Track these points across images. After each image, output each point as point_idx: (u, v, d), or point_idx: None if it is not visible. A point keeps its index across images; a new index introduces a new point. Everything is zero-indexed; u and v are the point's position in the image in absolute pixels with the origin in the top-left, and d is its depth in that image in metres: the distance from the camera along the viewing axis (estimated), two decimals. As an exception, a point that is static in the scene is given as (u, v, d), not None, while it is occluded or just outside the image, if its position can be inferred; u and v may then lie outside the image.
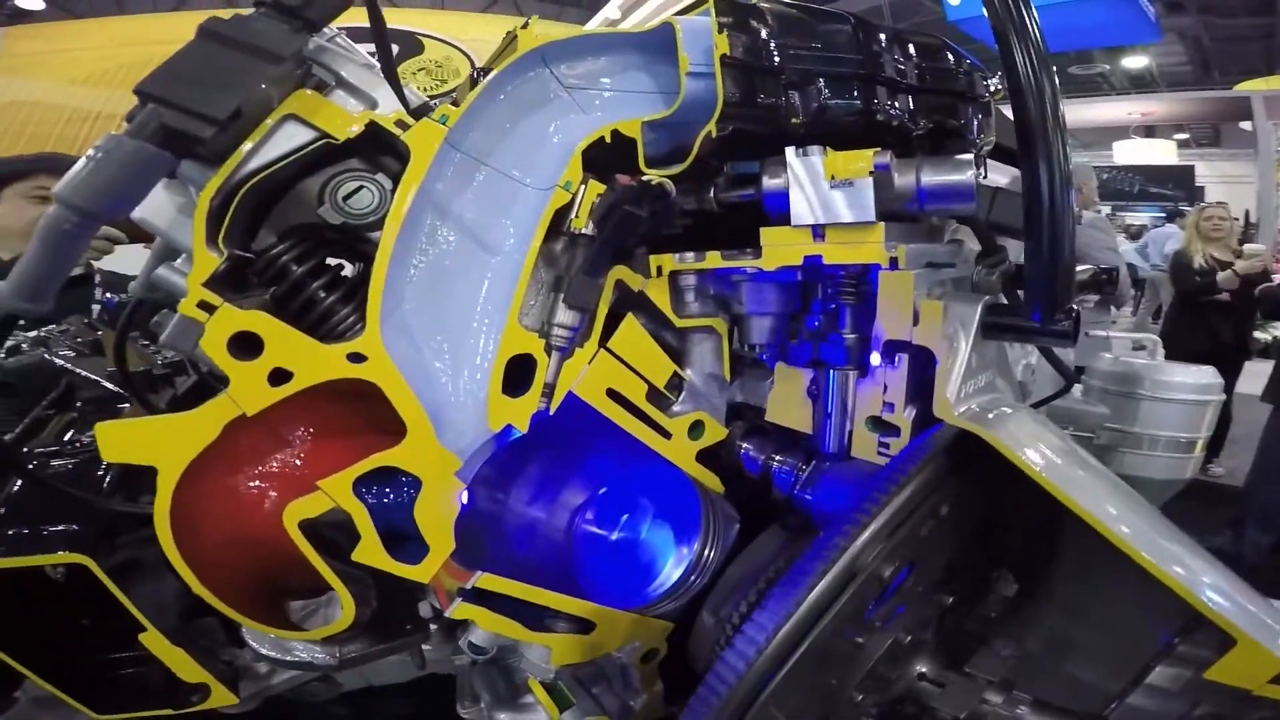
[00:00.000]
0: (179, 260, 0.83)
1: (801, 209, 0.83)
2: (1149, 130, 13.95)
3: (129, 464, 0.74)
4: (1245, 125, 10.94)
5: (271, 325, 0.73)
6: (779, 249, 0.86)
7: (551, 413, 0.84)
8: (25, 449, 1.03)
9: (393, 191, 0.77)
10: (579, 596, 0.91)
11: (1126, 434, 2.14)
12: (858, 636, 0.72)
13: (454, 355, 0.82)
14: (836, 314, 0.91)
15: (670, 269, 0.94)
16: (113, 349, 1.02)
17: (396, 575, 0.80)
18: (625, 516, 0.95)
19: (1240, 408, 3.39)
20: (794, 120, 0.85)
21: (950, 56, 0.98)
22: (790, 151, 0.82)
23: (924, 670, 0.81)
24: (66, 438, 1.08)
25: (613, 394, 0.90)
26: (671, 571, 0.92)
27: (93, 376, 1.21)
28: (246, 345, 0.73)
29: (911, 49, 0.94)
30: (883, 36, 0.91)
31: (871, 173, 0.79)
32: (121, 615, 0.85)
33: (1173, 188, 13.13)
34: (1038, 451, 0.74)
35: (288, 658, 0.85)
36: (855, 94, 0.88)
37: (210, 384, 0.94)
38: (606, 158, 0.85)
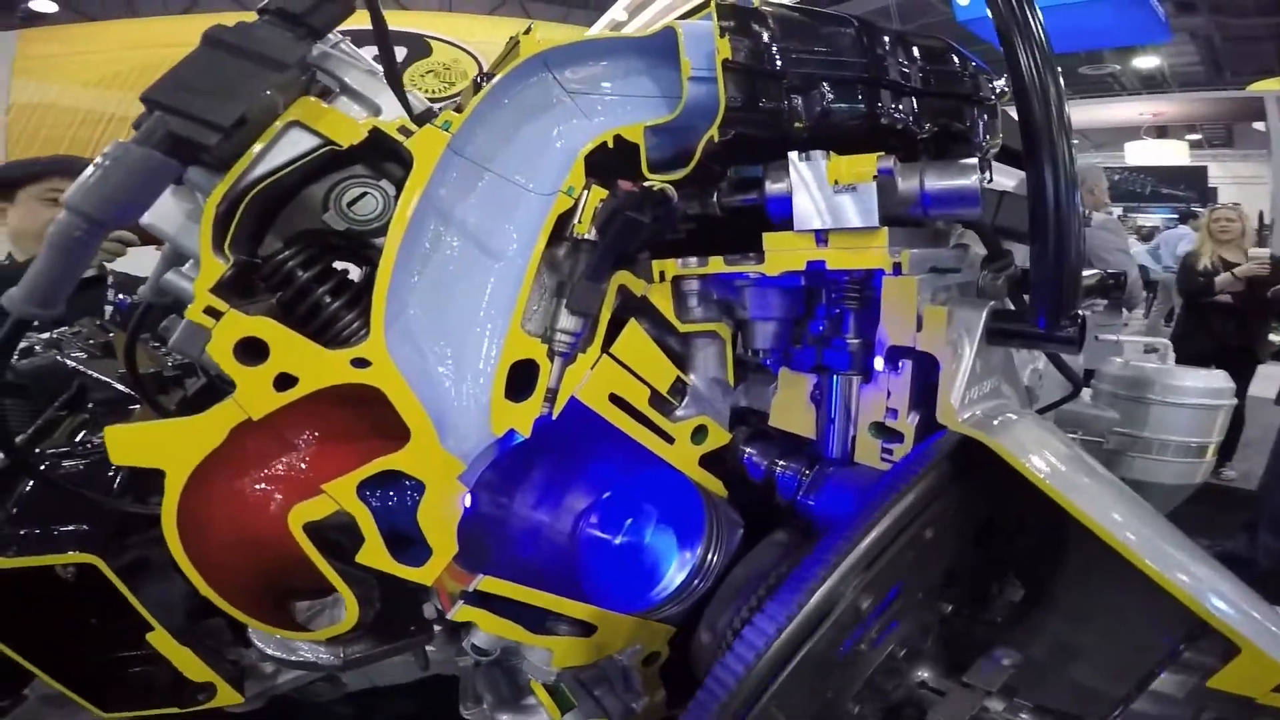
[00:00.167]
0: (187, 265, 0.84)
1: (804, 214, 0.83)
2: (1161, 131, 13.83)
3: (137, 467, 0.75)
4: (1259, 126, 10.82)
5: (277, 331, 0.73)
6: (782, 254, 0.86)
7: (554, 418, 0.85)
8: (38, 450, 1.04)
9: (396, 197, 0.77)
10: (581, 600, 0.91)
11: (1136, 439, 2.12)
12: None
13: (457, 360, 0.82)
14: (840, 319, 0.91)
15: (673, 274, 0.94)
16: (123, 352, 1.03)
17: (400, 577, 0.80)
18: (629, 521, 0.95)
19: (1254, 411, 3.36)
20: (797, 124, 0.85)
21: (955, 59, 0.98)
22: (793, 156, 0.82)
23: (925, 677, 0.81)
24: (78, 439, 1.10)
25: (615, 399, 0.90)
26: (675, 576, 0.92)
27: (104, 378, 1.22)
28: (252, 350, 0.73)
29: (916, 51, 0.94)
30: (887, 39, 0.91)
31: (875, 177, 0.79)
32: (129, 615, 0.86)
33: (1185, 189, 13.00)
34: (1042, 458, 0.74)
35: (293, 658, 0.86)
36: (859, 97, 0.88)
37: (219, 386, 0.95)
38: (609, 163, 0.86)
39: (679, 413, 0.97)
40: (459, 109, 0.81)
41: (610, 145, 0.85)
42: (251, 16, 0.72)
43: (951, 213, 0.83)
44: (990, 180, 0.92)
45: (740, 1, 0.85)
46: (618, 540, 0.95)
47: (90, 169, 0.62)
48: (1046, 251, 0.73)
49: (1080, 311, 0.78)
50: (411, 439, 0.77)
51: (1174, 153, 13.78)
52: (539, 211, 0.84)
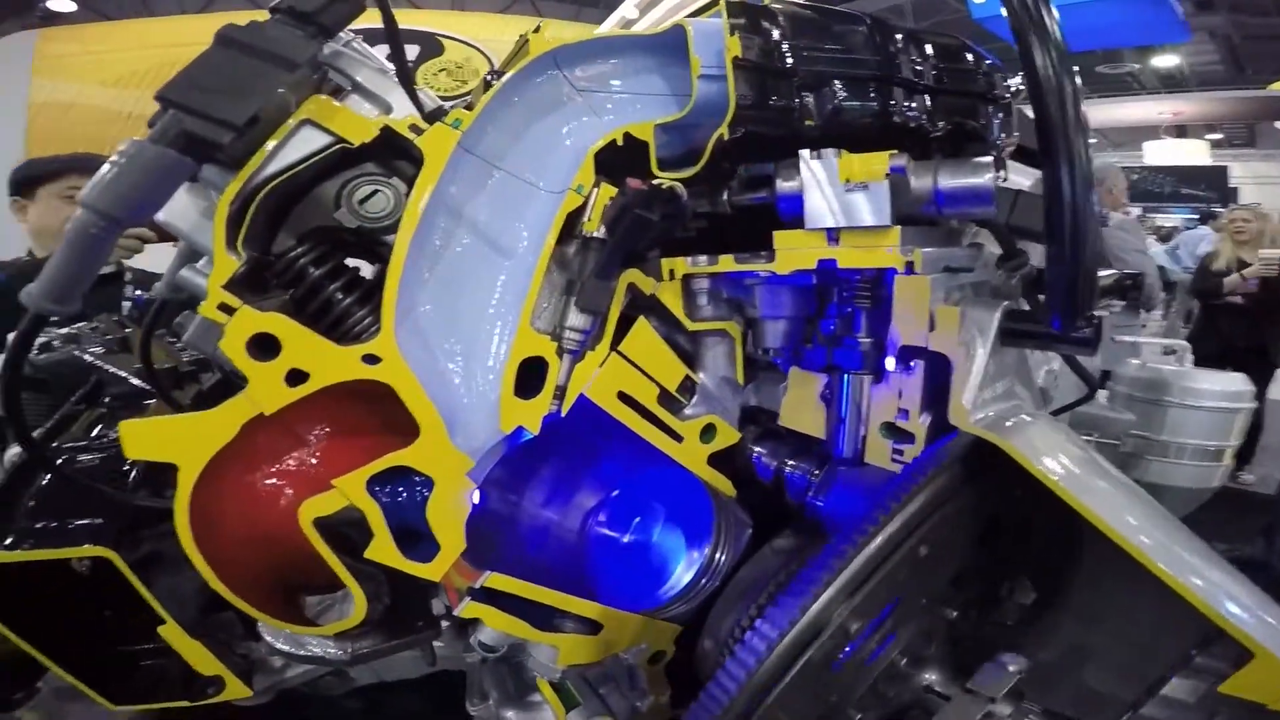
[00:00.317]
0: (201, 262, 0.85)
1: (816, 212, 0.82)
2: (1181, 130, 13.62)
3: (151, 461, 0.76)
4: (1280, 125, 10.63)
5: (289, 327, 0.74)
6: (793, 252, 0.85)
7: (563, 415, 0.85)
8: (55, 444, 1.06)
9: (407, 195, 0.78)
10: (588, 598, 0.91)
11: (1153, 441, 2.09)
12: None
13: (467, 357, 0.83)
14: (851, 318, 0.90)
15: (683, 272, 0.94)
16: (139, 347, 1.04)
17: (408, 573, 0.80)
18: (637, 519, 0.95)
19: (1272, 415, 3.30)
20: (808, 122, 0.85)
21: (969, 56, 0.96)
22: (804, 154, 0.81)
23: (933, 680, 0.80)
24: (94, 433, 1.11)
25: (624, 397, 0.90)
26: (682, 575, 0.92)
27: (121, 373, 1.24)
28: (265, 346, 0.74)
29: (929, 49, 0.93)
30: (899, 37, 0.90)
31: (887, 175, 0.78)
32: (141, 608, 0.87)
33: (1205, 189, 12.79)
34: (1056, 460, 0.73)
35: (301, 652, 0.87)
36: (871, 95, 0.87)
37: (234, 381, 0.96)
38: (619, 160, 0.85)
39: (688, 411, 0.97)
40: (470, 107, 0.81)
41: (620, 143, 0.85)
42: (265, 16, 0.72)
43: (965, 211, 0.82)
44: (1005, 179, 0.91)
45: None
46: (625, 538, 0.95)
47: (106, 167, 0.63)
48: (1062, 251, 0.72)
49: (1096, 312, 0.77)
50: (421, 435, 0.78)
51: (1194, 152, 13.57)
52: (549, 209, 0.84)
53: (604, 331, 0.88)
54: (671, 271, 0.94)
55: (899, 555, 0.68)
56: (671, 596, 0.92)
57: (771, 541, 0.95)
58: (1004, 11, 0.71)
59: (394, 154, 0.79)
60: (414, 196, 0.77)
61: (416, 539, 0.81)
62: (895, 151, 0.79)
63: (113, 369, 1.24)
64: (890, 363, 0.85)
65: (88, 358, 1.28)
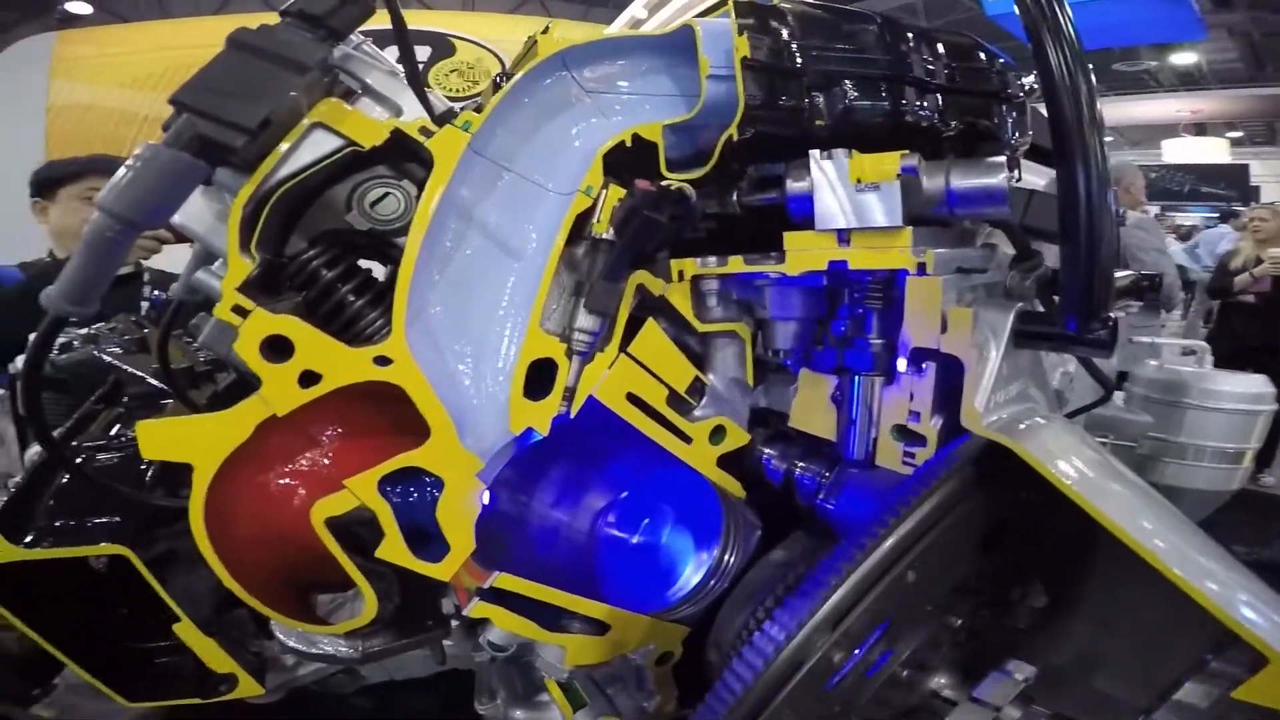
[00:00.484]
0: (216, 264, 0.86)
1: (826, 213, 0.81)
2: (1200, 128, 13.41)
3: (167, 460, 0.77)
4: (1303, 123, 10.43)
5: (301, 329, 0.75)
6: (803, 254, 0.85)
7: (572, 416, 0.85)
8: (74, 443, 1.07)
9: (418, 197, 0.78)
10: (596, 598, 0.91)
11: (1170, 443, 2.06)
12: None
13: (477, 358, 0.83)
14: (862, 320, 0.89)
15: (692, 273, 0.93)
16: (156, 348, 1.06)
17: (419, 573, 0.81)
18: (645, 521, 0.95)
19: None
20: (818, 122, 0.84)
21: (982, 55, 0.95)
22: (814, 154, 0.81)
23: (942, 683, 0.80)
24: (113, 432, 1.13)
25: (633, 398, 0.90)
26: (691, 576, 0.92)
27: (138, 373, 1.25)
28: (278, 348, 0.75)
29: (941, 48, 0.92)
30: (910, 35, 0.90)
31: (899, 176, 0.77)
32: (156, 606, 0.88)
33: (1225, 187, 12.58)
34: (1069, 464, 0.72)
35: (313, 650, 0.88)
36: (882, 95, 0.86)
37: (248, 381, 0.97)
38: (628, 161, 0.85)
39: (697, 413, 0.97)
40: (479, 109, 0.81)
41: (628, 144, 0.85)
42: (277, 19, 0.73)
43: (978, 212, 0.81)
44: (1019, 179, 0.90)
45: None
46: (634, 540, 0.95)
47: (122, 171, 0.64)
48: (1077, 252, 0.71)
49: (1112, 314, 0.76)
50: (431, 436, 0.78)
51: (1213, 150, 13.35)
52: (558, 211, 0.84)
53: (613, 333, 0.88)
54: (681, 273, 0.94)
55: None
56: (680, 598, 0.92)
57: (780, 544, 0.94)
58: (1017, 9, 0.70)
59: (405, 156, 0.80)
60: (424, 199, 0.77)
61: (427, 539, 0.81)
62: (907, 151, 0.78)
63: (131, 369, 1.26)
64: (901, 365, 0.84)
65: (106, 358, 1.30)
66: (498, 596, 0.87)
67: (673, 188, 0.84)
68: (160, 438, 0.76)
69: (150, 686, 0.96)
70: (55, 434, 1.04)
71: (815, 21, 0.86)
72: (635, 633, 0.94)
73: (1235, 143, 13.58)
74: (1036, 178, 1.15)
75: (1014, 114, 0.98)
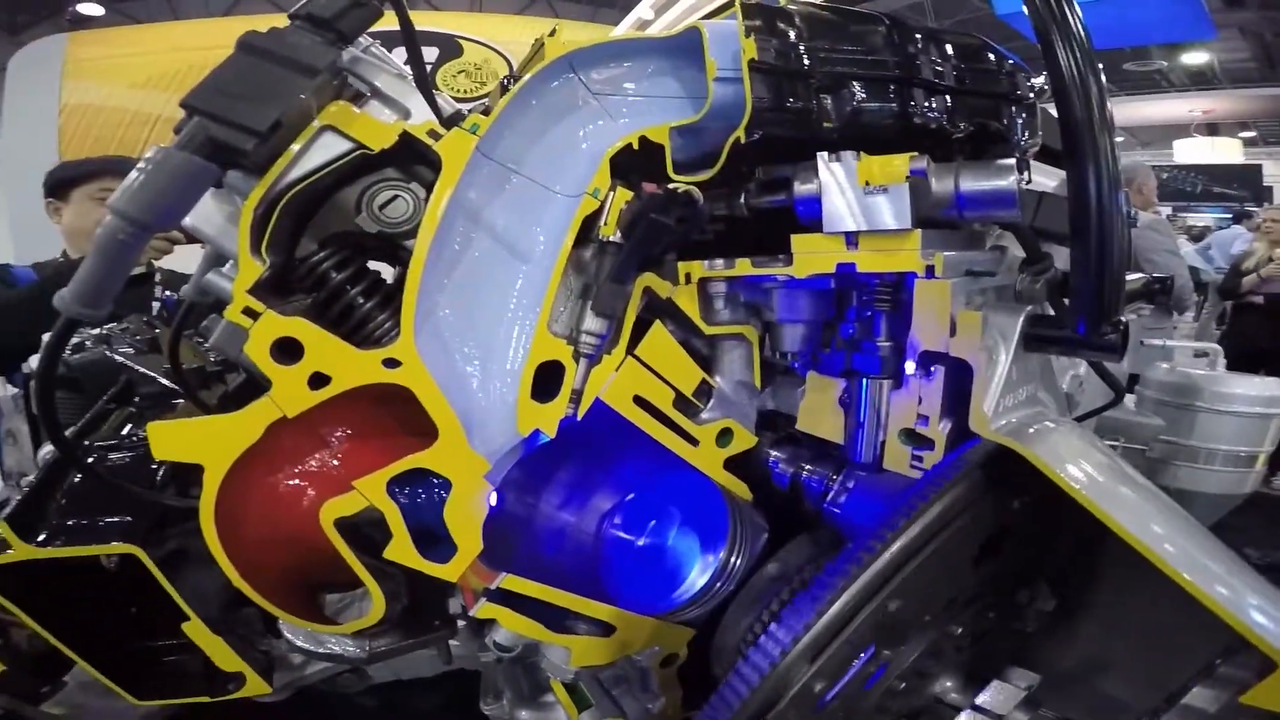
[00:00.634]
0: (227, 266, 0.87)
1: (834, 215, 0.81)
2: (1212, 128, 13.29)
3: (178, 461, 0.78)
4: (1317, 122, 10.32)
5: (311, 331, 0.75)
6: (811, 256, 0.85)
7: (579, 419, 0.85)
8: (87, 442, 1.09)
9: (426, 200, 0.78)
10: (602, 600, 0.91)
11: (1182, 447, 2.04)
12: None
13: (484, 361, 0.83)
14: (870, 323, 0.89)
15: (699, 276, 0.93)
16: (167, 349, 1.07)
17: (426, 573, 0.81)
18: (652, 523, 0.95)
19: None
20: (826, 124, 0.84)
21: (991, 56, 0.95)
22: (821, 157, 0.80)
23: (948, 686, 0.79)
24: (125, 432, 1.14)
25: (640, 401, 0.90)
26: (697, 578, 0.92)
27: (150, 373, 1.26)
28: (288, 350, 0.75)
29: (949, 49, 0.91)
30: (919, 36, 0.89)
31: (907, 178, 0.77)
32: (166, 605, 0.88)
33: (1238, 188, 12.45)
34: (1079, 468, 0.71)
35: (321, 650, 0.88)
36: (890, 96, 0.86)
37: (258, 382, 0.98)
38: (635, 164, 0.85)
39: (704, 415, 0.97)
40: (487, 111, 0.81)
41: (636, 146, 0.85)
42: (286, 21, 0.73)
43: (987, 214, 0.80)
44: (1028, 181, 0.89)
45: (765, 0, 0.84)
46: (640, 542, 0.95)
47: (134, 173, 0.64)
48: (1088, 254, 0.70)
49: (1123, 317, 0.75)
50: (439, 438, 0.78)
51: (1226, 150, 13.23)
52: (565, 213, 0.84)
53: (620, 335, 0.88)
54: (688, 275, 0.94)
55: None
56: (685, 600, 0.92)
57: (786, 547, 0.94)
58: (1026, 9, 0.70)
59: (413, 159, 0.80)
60: (432, 201, 0.77)
61: (434, 540, 0.82)
62: (915, 154, 0.78)
63: (143, 369, 1.27)
64: (910, 368, 0.84)
65: (119, 358, 1.31)
66: (504, 597, 0.87)
67: (680, 190, 0.84)
68: (171, 438, 0.76)
69: (159, 685, 0.97)
70: (68, 433, 1.05)
71: (823, 23, 0.86)
72: (641, 634, 0.94)
73: (1248, 143, 13.45)
74: (1047, 179, 1.14)
75: (1024, 115, 0.98)
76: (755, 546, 0.94)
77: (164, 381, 1.24)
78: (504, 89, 0.91)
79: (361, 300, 0.81)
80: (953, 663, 0.81)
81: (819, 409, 0.95)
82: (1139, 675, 0.79)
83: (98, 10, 9.85)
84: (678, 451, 0.93)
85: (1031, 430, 0.76)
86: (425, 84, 0.81)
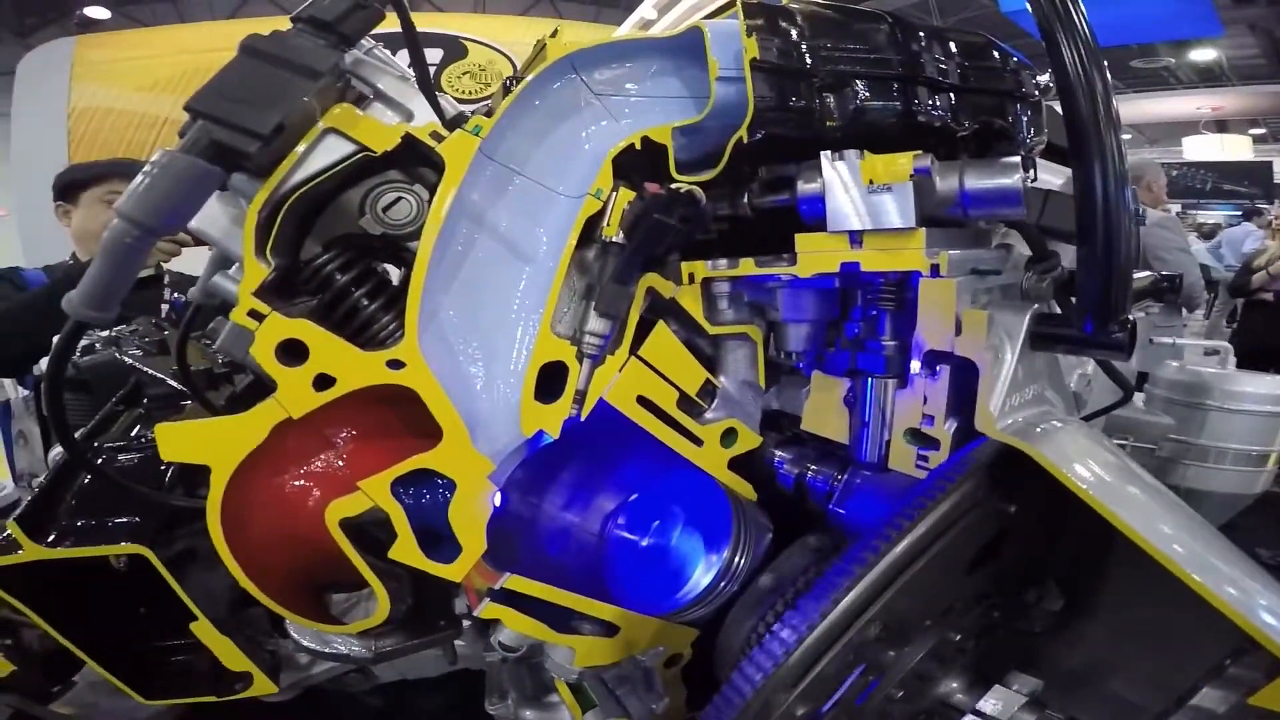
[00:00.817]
0: (233, 269, 0.87)
1: (838, 214, 0.81)
2: (1222, 125, 13.19)
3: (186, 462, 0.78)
4: (1328, 119, 10.23)
5: (316, 333, 0.75)
6: (815, 255, 0.84)
7: (583, 419, 0.85)
8: (96, 444, 1.09)
9: (430, 202, 0.79)
10: (606, 600, 0.91)
11: (1192, 446, 2.03)
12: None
13: (488, 362, 0.83)
14: (875, 322, 0.88)
15: (703, 275, 0.93)
16: (175, 351, 1.07)
17: (431, 573, 0.81)
18: (655, 523, 0.95)
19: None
20: (829, 123, 0.84)
21: (995, 54, 0.94)
22: (825, 156, 0.80)
23: (953, 687, 0.79)
24: (133, 433, 1.15)
25: (644, 401, 0.90)
26: (700, 578, 0.91)
27: (159, 375, 1.27)
28: (293, 352, 0.76)
29: (953, 47, 0.91)
30: (922, 34, 0.89)
31: (911, 176, 0.77)
32: (174, 605, 0.89)
33: (1248, 185, 12.34)
34: (1086, 468, 0.71)
35: (327, 649, 0.88)
36: (894, 95, 0.85)
37: (264, 384, 0.99)
38: (638, 164, 0.85)
39: (708, 415, 0.97)
40: (490, 112, 0.82)
41: (638, 147, 0.85)
42: (289, 24, 0.74)
43: (992, 213, 0.80)
44: (1034, 179, 0.88)
45: None
46: (644, 542, 0.95)
47: (140, 177, 0.65)
48: (1094, 252, 0.70)
49: (1130, 315, 0.74)
50: (443, 439, 0.79)
51: (1236, 147, 13.12)
52: (568, 214, 0.84)
53: (624, 336, 0.88)
54: (691, 275, 0.94)
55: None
56: (689, 600, 0.92)
57: (791, 548, 0.94)
58: (1029, 6, 0.69)
59: (416, 161, 0.80)
60: (436, 203, 0.78)
61: (439, 540, 0.82)
62: (919, 152, 0.78)
63: (151, 371, 1.28)
64: (915, 367, 0.84)
65: (127, 359, 1.32)
66: (508, 597, 0.88)
67: (682, 190, 0.84)
68: (179, 440, 0.77)
69: (167, 685, 0.98)
70: (77, 435, 1.06)
71: (825, 21, 0.86)
72: (645, 634, 0.94)
73: (1258, 140, 13.33)
74: (1053, 177, 1.13)
75: (1029, 113, 0.97)
76: (759, 546, 0.94)
77: (172, 383, 1.25)
78: (506, 90, 0.91)
79: (366, 302, 0.81)
80: (956, 665, 0.80)
81: (823, 409, 0.95)
82: (1147, 676, 0.78)
83: (104, 14, 9.93)
84: (682, 452, 0.93)
85: (1038, 429, 0.76)
86: (428, 86, 0.81)
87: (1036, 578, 0.87)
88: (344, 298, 0.81)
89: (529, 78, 0.83)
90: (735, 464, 0.97)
